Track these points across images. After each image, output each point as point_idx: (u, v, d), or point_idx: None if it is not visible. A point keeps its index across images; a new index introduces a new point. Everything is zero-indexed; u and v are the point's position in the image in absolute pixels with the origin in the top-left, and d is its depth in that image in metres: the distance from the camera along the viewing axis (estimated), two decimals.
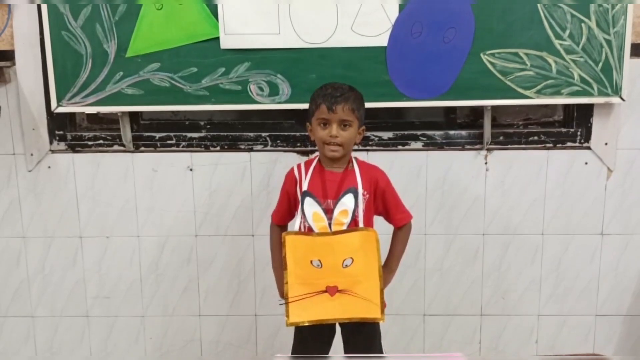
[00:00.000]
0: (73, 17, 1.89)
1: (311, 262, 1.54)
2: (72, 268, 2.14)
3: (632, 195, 2.05)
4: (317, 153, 1.67)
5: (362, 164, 1.66)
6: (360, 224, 1.58)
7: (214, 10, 1.86)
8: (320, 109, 1.56)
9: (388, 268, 1.67)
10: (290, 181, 1.67)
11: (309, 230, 1.59)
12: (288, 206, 1.69)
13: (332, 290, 1.53)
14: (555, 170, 2.04)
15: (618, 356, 2.13)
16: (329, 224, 1.57)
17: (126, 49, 1.90)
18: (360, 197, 1.58)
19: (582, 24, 1.85)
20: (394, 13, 1.85)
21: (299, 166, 1.66)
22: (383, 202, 1.65)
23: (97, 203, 2.10)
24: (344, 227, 1.57)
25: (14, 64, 1.99)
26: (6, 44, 1.97)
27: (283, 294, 1.62)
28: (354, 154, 1.67)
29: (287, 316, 1.54)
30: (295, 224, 1.63)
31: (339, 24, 1.86)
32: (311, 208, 1.58)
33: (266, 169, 2.06)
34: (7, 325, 2.19)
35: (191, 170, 2.07)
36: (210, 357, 2.19)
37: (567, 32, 1.86)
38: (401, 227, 1.69)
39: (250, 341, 2.18)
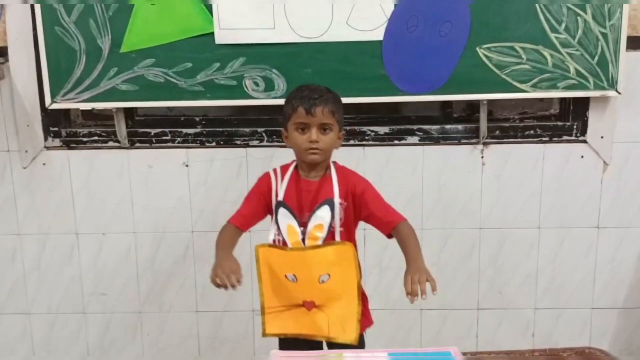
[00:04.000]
0: (66, 12, 1.87)
1: (286, 276, 1.46)
2: (68, 265, 2.14)
3: (628, 188, 2.05)
4: (293, 159, 1.56)
5: (340, 170, 1.54)
6: (337, 237, 1.47)
7: (208, 5, 1.85)
8: (298, 113, 1.44)
9: (411, 258, 1.41)
10: (267, 185, 1.54)
11: (283, 244, 1.49)
12: (256, 210, 1.54)
13: (309, 305, 1.46)
14: (552, 164, 2.04)
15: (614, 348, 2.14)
16: (303, 239, 1.48)
17: (120, 45, 1.89)
18: (337, 207, 1.47)
19: (578, 17, 1.85)
20: (389, 7, 1.84)
21: (275, 171, 1.55)
22: (365, 207, 1.50)
23: (92, 199, 2.09)
24: (319, 242, 1.47)
25: (7, 60, 1.97)
26: None
27: (215, 274, 1.38)
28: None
29: (264, 327, 1.48)
30: (269, 236, 1.52)
31: (334, 18, 1.85)
32: (285, 220, 1.49)
33: (262, 164, 2.05)
34: (3, 323, 2.19)
35: (187, 166, 2.07)
36: (207, 353, 2.19)
37: (563, 25, 1.85)
38: (395, 228, 1.46)
39: (247, 337, 2.18)
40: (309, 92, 1.46)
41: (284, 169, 1.55)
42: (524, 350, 1.18)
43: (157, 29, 1.87)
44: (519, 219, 2.07)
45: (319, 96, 1.45)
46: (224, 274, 1.34)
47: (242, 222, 1.53)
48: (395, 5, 1.83)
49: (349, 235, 1.52)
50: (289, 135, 1.50)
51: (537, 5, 1.83)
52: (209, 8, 1.84)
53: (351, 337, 1.44)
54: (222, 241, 1.49)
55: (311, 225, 1.48)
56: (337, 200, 1.48)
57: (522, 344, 2.14)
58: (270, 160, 2.04)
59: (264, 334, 1.49)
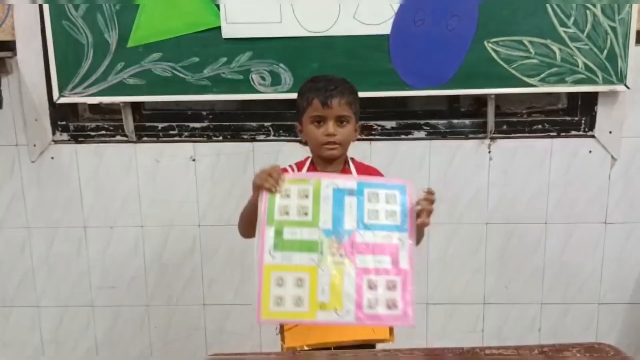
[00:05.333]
0: (74, 6, 1.88)
1: None
2: (76, 258, 2.15)
3: (636, 183, 2.04)
4: (308, 155, 1.50)
5: (359, 166, 1.48)
6: None
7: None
8: (313, 105, 1.37)
9: None
10: None
11: None
12: None
13: None
14: (559, 159, 2.03)
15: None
16: None
17: (127, 39, 1.89)
18: None
19: (587, 11, 1.83)
20: (396, 1, 1.83)
21: (291, 167, 1.47)
22: None
23: (100, 193, 2.10)
24: None
25: (15, 54, 1.98)
26: (7, 34, 1.96)
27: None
28: (351, 153, 1.50)
29: (283, 340, 1.37)
30: None
31: (341, 12, 1.85)
32: None
33: (269, 158, 2.05)
34: (12, 315, 2.21)
35: (194, 160, 2.07)
36: (214, 346, 2.20)
37: (572, 19, 1.84)
38: None
39: (254, 330, 2.19)
40: (325, 83, 1.39)
41: (300, 165, 1.48)
42: (533, 345, 1.18)
43: (164, 23, 1.87)
44: (526, 214, 2.07)
45: (335, 87, 1.38)
46: (266, 176, 1.24)
47: None
48: None
49: None
50: (304, 130, 1.43)
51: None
52: (216, 2, 1.84)
53: (384, 333, 1.38)
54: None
55: None
56: None
57: (528, 339, 2.14)
58: (277, 154, 2.04)
59: (284, 348, 1.38)
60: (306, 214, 1.19)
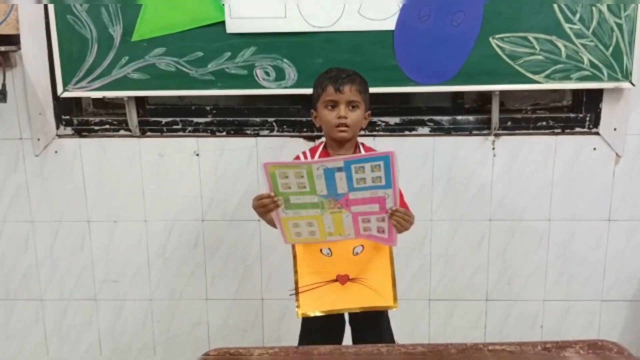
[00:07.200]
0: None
1: (321, 250, 1.53)
2: (80, 252, 2.16)
3: None
4: (321, 139, 1.64)
5: (369, 150, 1.61)
6: None
7: None
8: (327, 91, 1.53)
9: None
10: None
11: None
12: None
13: (343, 279, 1.52)
14: (563, 155, 2.02)
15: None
16: None
17: (131, 33, 1.89)
18: None
19: (593, 8, 1.82)
20: None
21: (304, 154, 1.62)
22: None
23: (104, 188, 2.11)
24: None
25: (19, 48, 1.98)
26: (11, 28, 1.96)
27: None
28: (360, 140, 1.64)
29: (298, 307, 1.53)
30: None
31: (345, 7, 1.84)
32: None
33: (272, 154, 2.05)
34: (16, 309, 2.22)
35: (197, 155, 2.08)
36: (217, 341, 2.21)
37: (578, 15, 1.83)
38: None
39: (256, 325, 2.20)
40: (338, 72, 1.55)
41: (313, 150, 1.61)
42: (536, 342, 1.18)
43: (168, 17, 1.87)
44: (529, 210, 2.06)
45: (347, 75, 1.53)
46: (262, 201, 1.41)
47: None
48: None
49: None
50: (319, 114, 1.57)
51: None
52: None
53: (389, 301, 1.52)
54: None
55: None
56: None
57: (531, 336, 2.14)
58: (281, 150, 2.04)
59: (299, 315, 1.53)
60: (304, 187, 1.37)
